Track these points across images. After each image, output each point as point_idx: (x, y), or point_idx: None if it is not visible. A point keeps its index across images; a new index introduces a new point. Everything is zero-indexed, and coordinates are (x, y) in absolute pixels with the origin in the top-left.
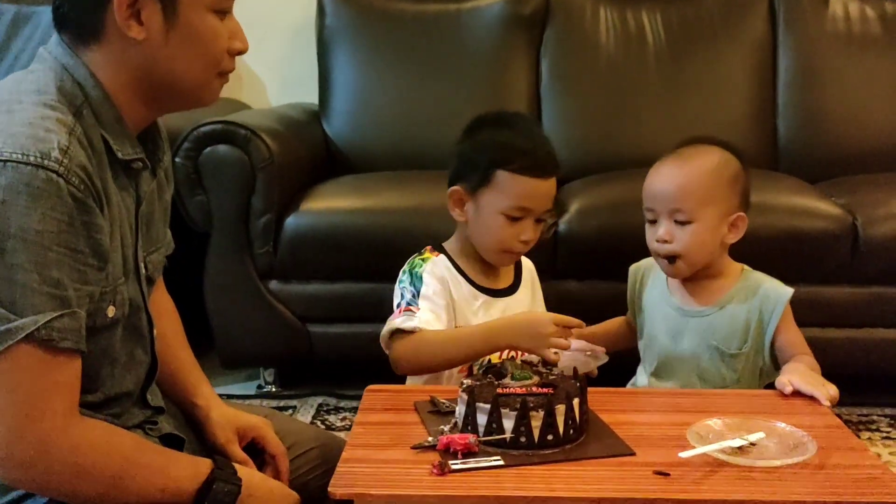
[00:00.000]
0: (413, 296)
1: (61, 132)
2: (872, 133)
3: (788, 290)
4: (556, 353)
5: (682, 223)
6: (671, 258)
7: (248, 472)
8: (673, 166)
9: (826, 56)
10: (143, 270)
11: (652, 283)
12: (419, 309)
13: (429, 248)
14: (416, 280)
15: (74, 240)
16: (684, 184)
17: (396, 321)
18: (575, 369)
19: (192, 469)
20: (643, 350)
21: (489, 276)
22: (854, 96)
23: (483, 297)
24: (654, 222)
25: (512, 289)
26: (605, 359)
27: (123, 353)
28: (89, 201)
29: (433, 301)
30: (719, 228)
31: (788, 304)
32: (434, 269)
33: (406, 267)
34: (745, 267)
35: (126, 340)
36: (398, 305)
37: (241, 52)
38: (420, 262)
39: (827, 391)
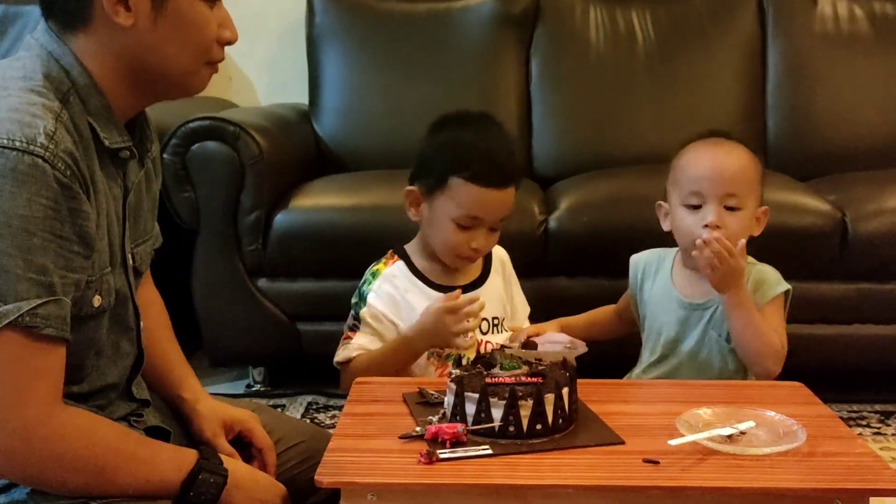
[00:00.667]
0: (354, 318)
1: (48, 118)
2: (861, 131)
3: (784, 285)
4: (468, 337)
5: (732, 209)
6: None
7: (234, 464)
8: (722, 152)
9: (815, 55)
10: (131, 262)
11: (655, 277)
12: (355, 334)
13: (390, 252)
14: (361, 300)
15: (60, 226)
16: (739, 168)
17: (337, 354)
18: (564, 359)
19: (177, 460)
20: (644, 341)
21: (452, 274)
22: (843, 95)
23: (443, 297)
24: (696, 208)
25: (479, 281)
26: (583, 350)
27: (109, 344)
28: (75, 187)
29: (370, 324)
30: (753, 219)
31: (781, 298)
32: (382, 286)
33: (361, 281)
34: (751, 259)
35: (112, 331)
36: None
37: (230, 42)
38: (370, 277)
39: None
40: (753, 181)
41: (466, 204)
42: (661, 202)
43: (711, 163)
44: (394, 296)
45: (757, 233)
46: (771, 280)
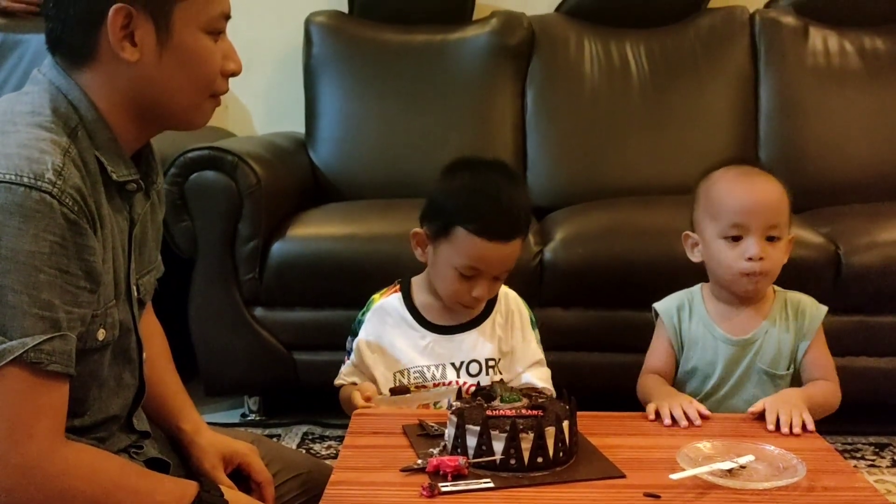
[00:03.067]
0: (349, 345)
1: (56, 153)
2: (853, 164)
3: (823, 309)
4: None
5: (772, 239)
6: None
7: (234, 495)
8: (760, 182)
9: (806, 88)
10: (136, 293)
11: (692, 318)
12: (346, 362)
13: (395, 282)
14: (357, 327)
15: (66, 262)
16: (780, 199)
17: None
18: (566, 393)
19: (178, 492)
20: (684, 381)
21: (449, 313)
22: (834, 128)
23: (432, 336)
24: (736, 239)
25: (475, 322)
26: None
27: (112, 376)
28: (82, 223)
29: (355, 355)
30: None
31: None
32: (371, 319)
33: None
34: (777, 287)
35: (115, 364)
36: None
37: (234, 74)
38: (366, 308)
39: (787, 416)
40: (789, 210)
41: (469, 255)
42: (689, 233)
43: (753, 195)
44: (378, 331)
45: (785, 261)
46: (810, 306)
